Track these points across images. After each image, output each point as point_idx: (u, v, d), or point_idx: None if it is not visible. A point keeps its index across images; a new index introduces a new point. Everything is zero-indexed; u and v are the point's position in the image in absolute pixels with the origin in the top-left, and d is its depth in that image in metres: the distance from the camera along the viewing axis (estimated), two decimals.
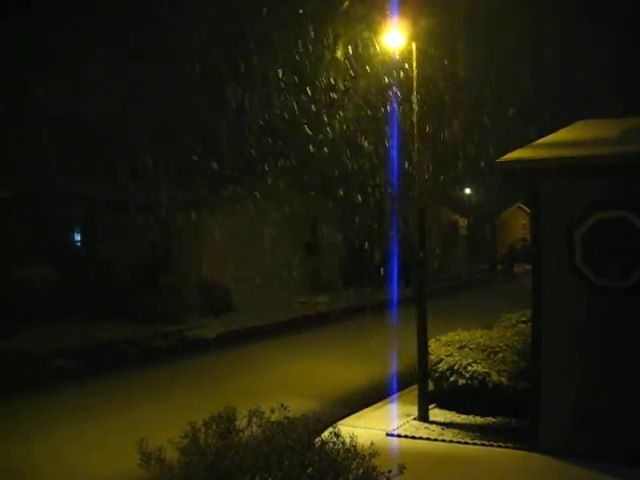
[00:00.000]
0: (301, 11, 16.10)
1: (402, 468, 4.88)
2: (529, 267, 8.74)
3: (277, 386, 12.04)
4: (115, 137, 22.45)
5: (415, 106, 9.84)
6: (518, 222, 47.52)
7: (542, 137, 9.21)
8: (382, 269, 24.45)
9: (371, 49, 12.55)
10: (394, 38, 10.20)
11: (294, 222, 24.79)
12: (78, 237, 24.88)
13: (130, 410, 10.96)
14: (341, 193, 24.39)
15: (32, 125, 21.66)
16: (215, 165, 19.90)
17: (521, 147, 8.83)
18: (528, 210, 10.30)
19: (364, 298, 24.40)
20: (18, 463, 8.69)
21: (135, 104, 22.96)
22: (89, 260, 22.01)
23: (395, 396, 11.21)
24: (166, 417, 9.88)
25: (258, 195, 21.96)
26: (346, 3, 14.42)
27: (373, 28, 11.84)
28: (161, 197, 20.78)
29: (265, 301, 22.04)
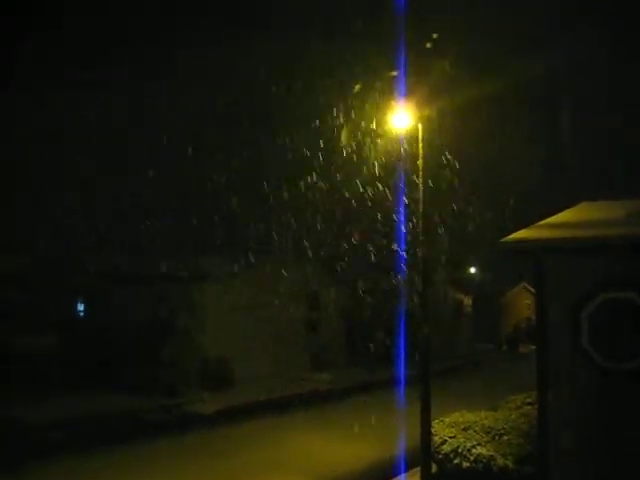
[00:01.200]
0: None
1: None
2: (534, 347, 8.63)
3: (276, 464, 11.76)
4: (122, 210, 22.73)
5: (420, 183, 9.95)
6: (523, 302, 47.24)
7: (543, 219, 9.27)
8: (386, 348, 24.24)
9: (379, 130, 12.81)
10: (401, 119, 10.41)
11: (296, 297, 24.71)
12: (81, 307, 24.85)
13: None
14: (341, 268, 24.44)
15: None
16: (219, 238, 20.05)
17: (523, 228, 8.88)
18: (533, 290, 10.25)
19: (367, 377, 24.08)
20: None
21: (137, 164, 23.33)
22: (90, 331, 21.91)
23: (398, 478, 10.92)
24: None
25: (261, 267, 22.01)
26: (357, 86, 14.79)
27: (382, 110, 12.11)
28: (162, 269, 20.86)
29: (266, 376, 21.73)
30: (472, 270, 43.21)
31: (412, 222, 10.26)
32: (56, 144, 23.04)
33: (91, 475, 11.46)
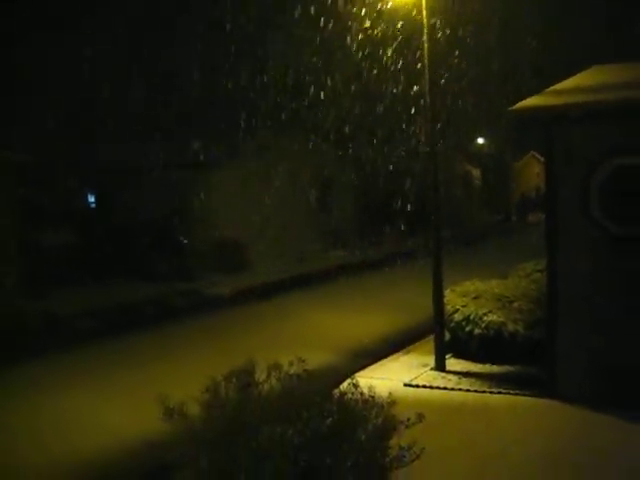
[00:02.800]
0: None
1: (421, 417, 4.93)
2: (543, 216, 8.69)
3: (294, 340, 12.15)
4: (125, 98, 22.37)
5: (426, 50, 9.69)
6: (532, 171, 47.08)
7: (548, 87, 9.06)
8: (399, 224, 24.44)
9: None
10: None
11: (307, 176, 24.72)
12: (92, 200, 25.01)
13: (151, 367, 11.13)
14: (353, 148, 24.25)
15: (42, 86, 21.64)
16: (226, 120, 19.82)
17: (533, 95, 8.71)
18: (542, 159, 10.16)
19: (380, 250, 24.42)
20: (43, 419, 8.91)
21: (143, 56, 22.79)
22: (105, 223, 22.15)
23: (412, 347, 11.31)
24: (186, 373, 10.01)
25: (270, 149, 21.87)
26: None
27: None
28: (172, 157, 20.76)
29: (279, 256, 22.11)
30: (480, 141, 42.79)
31: (420, 97, 10.06)
32: (55, 29, 22.44)
33: (118, 358, 11.93)
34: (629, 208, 7.83)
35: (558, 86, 8.96)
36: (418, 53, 10.42)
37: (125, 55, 23.47)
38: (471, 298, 10.29)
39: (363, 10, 14.33)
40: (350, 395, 4.99)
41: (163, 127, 21.21)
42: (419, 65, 10.20)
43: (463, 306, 10.14)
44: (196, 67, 22.14)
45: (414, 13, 10.22)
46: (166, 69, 23.11)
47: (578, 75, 9.56)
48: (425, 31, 9.69)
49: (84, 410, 9.24)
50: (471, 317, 9.90)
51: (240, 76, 20.21)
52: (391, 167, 26.73)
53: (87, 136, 22.73)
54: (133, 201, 22.31)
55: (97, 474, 7.42)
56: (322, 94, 20.01)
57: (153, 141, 21.25)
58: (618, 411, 7.62)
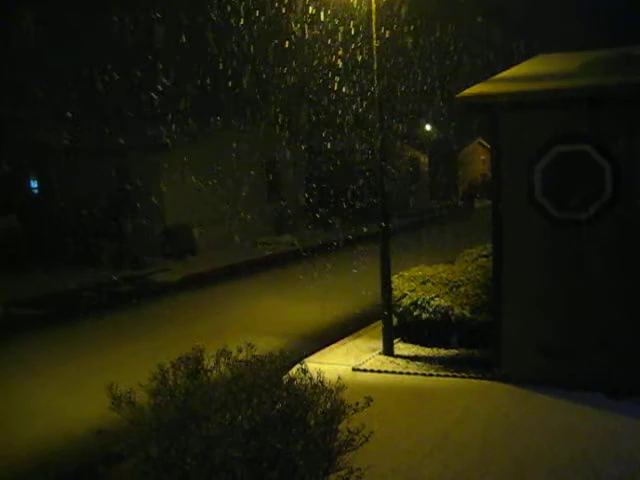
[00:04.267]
0: None
1: (369, 400, 4.99)
2: (490, 202, 8.84)
3: (243, 326, 12.14)
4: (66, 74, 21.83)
5: (374, 37, 9.70)
6: (478, 158, 47.69)
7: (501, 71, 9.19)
8: (346, 209, 24.53)
9: None
10: None
11: (255, 163, 24.60)
12: (35, 185, 24.41)
13: (98, 356, 10.98)
14: (300, 132, 24.19)
15: None
16: (173, 103, 19.51)
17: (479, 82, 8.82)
18: (488, 146, 10.36)
19: (327, 237, 24.49)
20: None
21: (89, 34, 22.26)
22: (49, 208, 21.67)
23: (360, 332, 11.40)
24: (134, 361, 9.93)
25: (220, 134, 21.65)
26: None
27: None
28: (118, 140, 20.39)
29: (228, 243, 22.00)
30: (428, 127, 43.17)
31: (366, 81, 10.08)
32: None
33: (60, 348, 11.72)
34: (569, 193, 8.03)
35: (504, 74, 9.10)
36: (365, 37, 10.41)
37: (71, 30, 22.91)
38: (419, 283, 10.42)
39: None
40: (299, 380, 5.02)
41: (111, 109, 20.79)
42: (366, 51, 10.19)
43: (411, 291, 10.26)
44: (148, 48, 21.72)
45: None
46: (116, 47, 22.58)
47: (523, 63, 9.73)
48: (373, 17, 9.69)
49: (27, 400, 9.07)
50: (419, 302, 10.02)
51: (192, 60, 19.94)
52: (341, 154, 26.80)
53: (31, 117, 22.11)
54: (78, 185, 21.86)
55: (40, 462, 7.30)
56: (270, 81, 19.92)
57: (101, 124, 20.82)
58: (560, 391, 7.84)
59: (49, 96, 21.84)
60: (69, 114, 21.04)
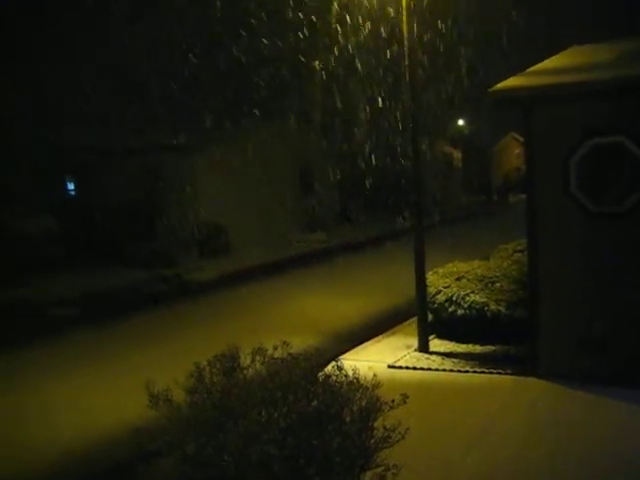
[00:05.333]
0: None
1: (405, 397, 4.97)
2: (524, 197, 8.74)
3: (278, 324, 12.18)
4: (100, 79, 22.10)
5: (405, 32, 9.66)
6: (512, 152, 47.20)
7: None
8: (380, 205, 24.47)
9: None
10: None
11: (288, 160, 24.66)
12: (72, 186, 24.75)
13: (135, 354, 11.11)
14: (334, 131, 24.18)
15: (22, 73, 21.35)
16: (206, 103, 19.65)
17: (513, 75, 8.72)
18: (522, 139, 10.23)
19: (362, 234, 24.47)
20: (28, 410, 8.87)
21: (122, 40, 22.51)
22: (85, 208, 21.96)
23: (395, 329, 11.37)
24: (171, 359, 10.01)
25: (251, 133, 21.74)
26: None
27: None
28: (150, 139, 20.60)
29: (262, 240, 22.09)
30: (460, 122, 42.84)
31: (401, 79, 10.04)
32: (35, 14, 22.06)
33: (99, 346, 11.88)
34: (605, 186, 7.91)
35: (537, 67, 8.99)
36: (398, 34, 10.37)
37: (104, 35, 23.16)
38: (453, 279, 10.35)
39: None
40: (335, 378, 5.02)
41: (144, 110, 21.00)
42: (399, 47, 10.15)
43: (446, 287, 10.19)
44: (179, 51, 21.90)
45: None
46: (149, 52, 22.82)
47: (557, 55, 9.59)
48: (404, 12, 9.65)
49: (64, 398, 9.21)
50: (454, 298, 9.95)
51: (224, 62, 20.06)
52: (374, 151, 26.73)
53: (66, 119, 22.43)
54: (113, 186, 22.13)
55: (80, 461, 7.41)
56: (305, 81, 19.95)
57: (135, 124, 21.04)
58: (599, 387, 7.72)
59: (84, 96, 22.16)
60: (104, 115, 21.33)
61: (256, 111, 21.55)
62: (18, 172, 20.60)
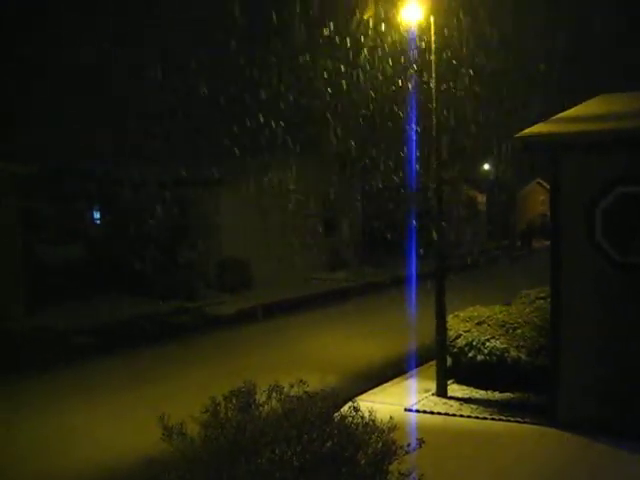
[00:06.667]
0: None
1: (421, 442, 4.90)
2: (548, 243, 8.68)
3: (296, 362, 12.12)
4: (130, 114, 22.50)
5: (433, 79, 9.75)
6: (537, 198, 47.10)
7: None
8: (401, 247, 24.39)
9: (390, 23, 12.42)
10: (412, 12, 10.10)
11: (312, 199, 24.77)
12: (97, 215, 25.07)
13: (152, 386, 11.09)
14: (356, 169, 24.29)
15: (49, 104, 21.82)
16: (231, 141, 19.88)
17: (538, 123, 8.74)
18: (547, 186, 10.24)
19: (382, 275, 24.38)
20: (43, 436, 8.86)
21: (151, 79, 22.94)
22: (109, 239, 22.20)
23: (413, 372, 11.26)
24: (187, 392, 9.99)
25: (276, 172, 21.92)
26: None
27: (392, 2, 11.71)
28: (179, 173, 20.85)
29: (283, 278, 22.11)
30: (486, 167, 42.88)
31: (425, 124, 10.14)
32: (60, 45, 22.64)
33: (117, 376, 11.89)
34: (632, 236, 7.83)
35: (564, 114, 9.01)
36: (425, 80, 10.47)
37: (133, 68, 23.66)
38: (474, 324, 10.25)
39: (373, 38, 14.49)
40: (351, 418, 4.96)
41: (170, 143, 21.31)
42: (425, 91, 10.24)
43: (466, 331, 10.10)
44: (205, 84, 22.30)
45: (421, 42, 10.29)
46: (175, 85, 23.23)
47: (584, 103, 9.61)
48: (432, 57, 9.75)
49: (80, 426, 9.19)
50: (474, 343, 9.85)
51: (246, 97, 20.35)
52: (397, 192, 26.77)
53: (93, 150, 22.85)
54: (138, 217, 22.35)
55: None
56: (330, 118, 20.17)
57: (160, 157, 21.34)
58: (620, 441, 7.56)
59: (110, 127, 22.59)
60: (130, 146, 21.68)
61: (283, 148, 21.76)
62: (48, 201, 20.93)
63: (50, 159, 21.14)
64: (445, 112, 10.86)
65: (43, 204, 20.84)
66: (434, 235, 9.99)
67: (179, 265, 20.71)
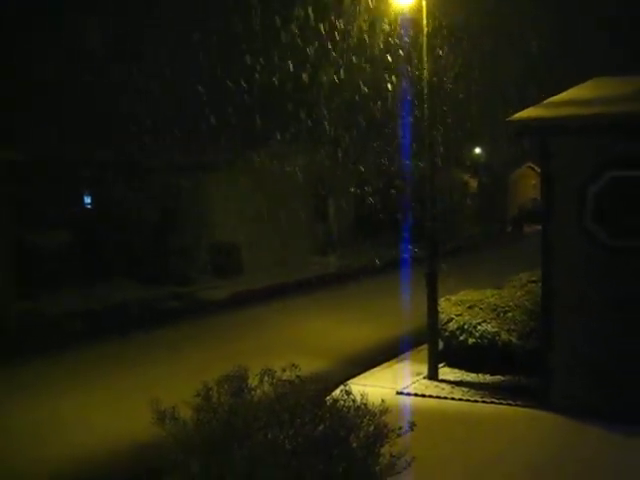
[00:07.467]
0: None
1: (412, 425, 4.93)
2: (539, 227, 8.71)
3: (288, 346, 12.14)
4: (122, 98, 22.33)
5: (425, 63, 9.71)
6: (528, 182, 47.09)
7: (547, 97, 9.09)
8: (393, 231, 24.41)
9: (382, 6, 12.35)
10: None
11: (303, 183, 24.71)
12: (88, 200, 24.92)
13: (143, 371, 11.10)
14: (347, 153, 24.23)
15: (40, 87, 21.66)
16: (225, 126, 19.78)
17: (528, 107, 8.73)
18: (539, 170, 10.25)
19: (374, 259, 24.40)
20: (35, 421, 8.87)
21: (142, 61, 22.77)
22: (100, 224, 22.08)
23: (405, 355, 11.30)
24: (180, 377, 10.01)
25: (267, 155, 21.85)
26: None
27: None
28: (168, 159, 20.75)
29: (274, 263, 22.11)
30: (477, 151, 42.89)
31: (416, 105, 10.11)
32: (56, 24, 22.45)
33: (107, 362, 11.89)
34: (622, 220, 7.87)
35: (556, 98, 8.99)
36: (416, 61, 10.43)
37: (128, 50, 23.46)
38: (465, 307, 10.28)
39: (361, 21, 14.41)
40: (342, 402, 4.98)
41: (163, 127, 21.16)
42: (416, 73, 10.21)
43: (457, 315, 10.13)
44: (199, 70, 22.15)
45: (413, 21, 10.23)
46: (172, 70, 23.05)
47: (577, 87, 9.60)
48: (424, 40, 9.71)
49: (71, 412, 9.20)
50: (465, 326, 9.89)
51: (238, 82, 20.21)
52: (389, 176, 26.75)
53: (83, 134, 22.67)
54: (129, 202, 22.25)
55: (84, 476, 7.38)
56: (318, 102, 20.09)
57: (152, 141, 21.20)
58: (609, 421, 7.62)
59: (102, 111, 22.43)
60: (120, 130, 21.55)
61: (274, 132, 21.67)
62: (35, 186, 20.78)
63: (36, 145, 20.97)
64: (437, 97, 10.78)
65: (32, 189, 20.69)
66: (426, 219, 10.00)
67: (171, 250, 20.66)
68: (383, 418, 4.90)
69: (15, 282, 16.85)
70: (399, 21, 11.56)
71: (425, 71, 9.73)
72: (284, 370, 5.12)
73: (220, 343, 12.95)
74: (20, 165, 17.38)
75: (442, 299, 10.41)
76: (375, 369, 10.54)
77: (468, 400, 8.84)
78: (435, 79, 10.07)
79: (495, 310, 10.07)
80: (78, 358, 12.19)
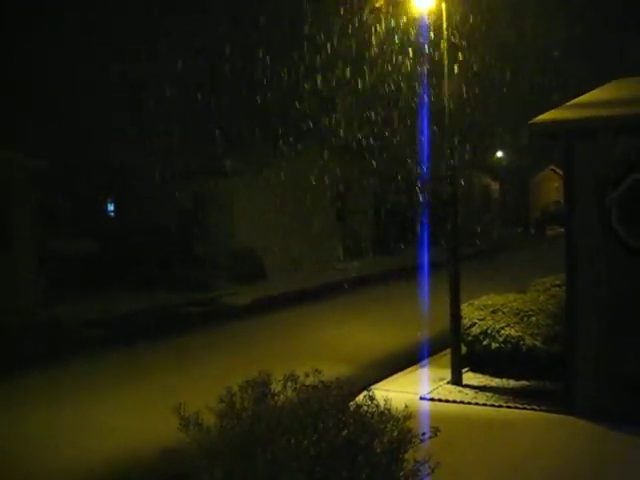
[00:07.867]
0: None
1: (436, 430, 4.90)
2: (562, 230, 8.63)
3: (311, 351, 12.14)
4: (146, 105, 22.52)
5: (445, 67, 9.70)
6: (551, 185, 46.77)
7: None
8: (414, 235, 24.35)
9: (400, 11, 12.35)
10: None
11: (324, 188, 24.74)
12: (111, 207, 25.17)
13: (167, 377, 11.16)
14: (369, 158, 24.22)
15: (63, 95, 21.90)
16: (244, 132, 19.89)
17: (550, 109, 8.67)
18: (561, 173, 10.19)
19: (396, 263, 24.36)
20: (55, 429, 8.94)
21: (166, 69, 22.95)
22: (124, 231, 22.28)
23: (428, 360, 11.25)
24: (202, 383, 10.04)
25: (288, 161, 21.91)
26: None
27: None
28: (191, 166, 20.87)
29: (296, 268, 22.13)
30: (499, 154, 42.67)
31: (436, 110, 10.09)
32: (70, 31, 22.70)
33: (129, 367, 11.97)
34: None
35: (578, 99, 8.93)
36: (437, 66, 10.41)
37: (142, 58, 23.67)
38: (489, 312, 10.22)
39: (382, 23, 14.42)
40: (366, 407, 4.97)
41: (184, 134, 21.33)
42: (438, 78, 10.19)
43: (480, 320, 10.07)
44: (216, 76, 22.29)
45: (433, 24, 10.22)
46: (187, 76, 23.21)
47: (599, 89, 9.52)
48: (445, 43, 9.69)
49: (95, 418, 9.26)
50: (488, 331, 9.83)
51: (260, 87, 20.31)
52: (411, 180, 26.69)
53: (106, 142, 22.90)
54: (152, 209, 22.44)
55: None
56: (340, 105, 20.13)
57: (173, 148, 21.37)
58: (635, 428, 7.52)
59: (124, 118, 22.63)
60: (145, 138, 21.72)
61: (295, 137, 21.73)
62: (59, 193, 21.02)
63: (62, 152, 21.20)
64: (459, 97, 10.76)
65: (57, 197, 20.95)
66: (448, 224, 9.97)
67: (193, 256, 20.78)
68: (407, 423, 4.88)
69: (40, 290, 17.05)
70: (419, 26, 11.53)
71: (445, 74, 9.70)
72: (307, 375, 5.12)
73: (243, 348, 12.98)
74: (42, 172, 17.58)
75: (465, 304, 10.36)
76: (398, 374, 10.50)
77: (492, 405, 8.78)
78: (456, 88, 10.06)
79: (518, 314, 9.99)
80: (102, 364, 12.29)
